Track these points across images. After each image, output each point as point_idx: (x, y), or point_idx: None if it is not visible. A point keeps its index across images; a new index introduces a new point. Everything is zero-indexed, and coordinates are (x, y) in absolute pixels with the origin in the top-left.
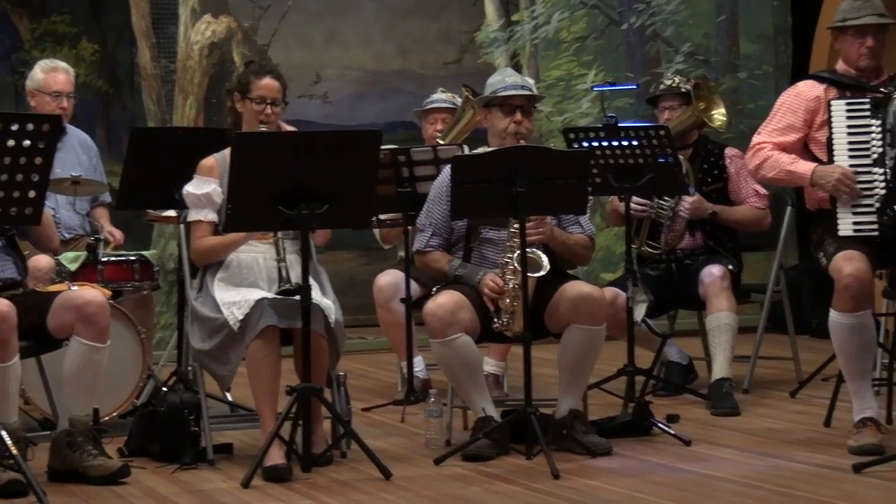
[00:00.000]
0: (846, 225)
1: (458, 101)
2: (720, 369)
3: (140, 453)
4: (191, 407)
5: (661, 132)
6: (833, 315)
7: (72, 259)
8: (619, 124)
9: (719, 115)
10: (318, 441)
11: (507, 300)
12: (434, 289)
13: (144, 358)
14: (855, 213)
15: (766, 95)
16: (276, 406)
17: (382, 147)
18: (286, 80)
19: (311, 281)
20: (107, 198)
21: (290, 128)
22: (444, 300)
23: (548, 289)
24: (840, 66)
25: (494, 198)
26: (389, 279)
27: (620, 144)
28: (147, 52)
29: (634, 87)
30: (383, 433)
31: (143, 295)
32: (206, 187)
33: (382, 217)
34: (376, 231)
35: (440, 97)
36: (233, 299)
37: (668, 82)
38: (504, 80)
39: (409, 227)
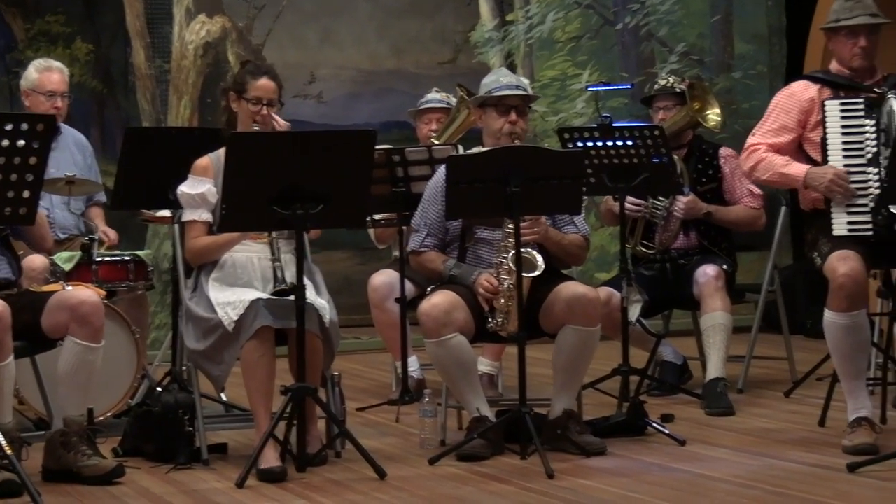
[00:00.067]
0: (841, 225)
1: (453, 100)
2: (714, 369)
3: (134, 453)
4: (185, 407)
5: (656, 132)
6: (827, 315)
7: (66, 259)
8: (614, 124)
9: (714, 115)
10: (313, 441)
11: (502, 300)
12: (429, 289)
13: (139, 358)
14: (849, 213)
15: (761, 95)
16: (270, 406)
17: (377, 147)
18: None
19: (306, 281)
20: (102, 197)
21: (283, 122)
22: (439, 300)
23: (542, 289)
24: (834, 66)
25: (489, 198)
26: (384, 279)
27: (615, 144)
28: (141, 51)
29: (629, 87)
30: (378, 433)
31: (137, 295)
32: (200, 187)
33: (377, 217)
34: (371, 231)
35: (435, 97)
36: (227, 299)
37: (663, 82)
38: (499, 80)
39: (404, 227)
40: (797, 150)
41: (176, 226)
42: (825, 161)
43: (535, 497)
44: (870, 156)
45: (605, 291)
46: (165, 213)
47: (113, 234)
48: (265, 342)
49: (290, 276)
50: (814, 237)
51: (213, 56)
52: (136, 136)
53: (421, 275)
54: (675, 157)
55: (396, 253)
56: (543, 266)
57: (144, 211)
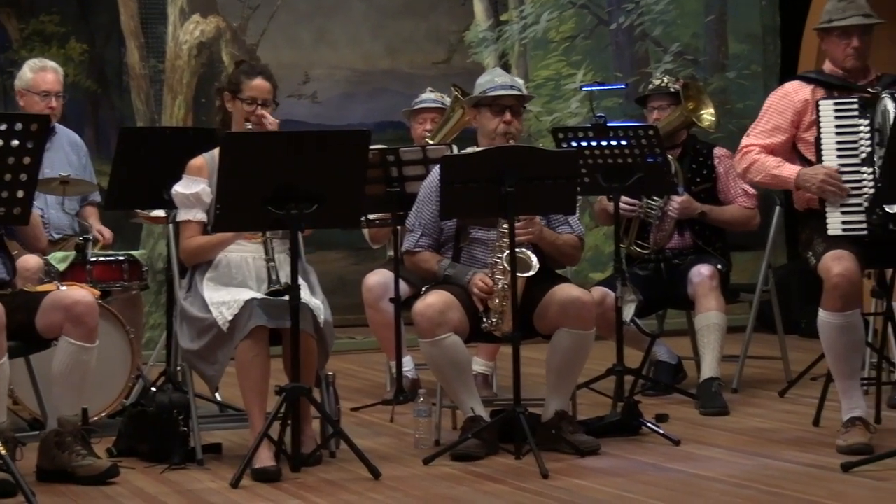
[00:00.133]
0: (835, 224)
1: (447, 100)
2: (709, 369)
3: (129, 453)
4: (180, 407)
5: (650, 132)
6: (822, 314)
7: (60, 259)
8: (608, 124)
9: (708, 114)
10: (307, 441)
11: (497, 300)
12: (423, 289)
13: (133, 358)
14: (844, 213)
15: (755, 95)
16: (265, 406)
17: (371, 147)
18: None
19: (300, 281)
20: (96, 197)
21: (273, 120)
22: (434, 300)
23: (537, 289)
24: (827, 66)
25: (483, 198)
26: (378, 279)
27: (609, 144)
28: (136, 51)
29: (623, 86)
30: (372, 433)
31: (131, 295)
32: (195, 187)
33: (371, 217)
34: (365, 231)
35: (429, 97)
36: (222, 299)
37: (657, 82)
38: (493, 80)
39: (399, 227)
40: (791, 150)
41: (170, 226)
42: (820, 161)
43: (530, 497)
44: (864, 155)
45: (599, 291)
46: (160, 212)
47: (108, 233)
48: (259, 342)
49: (284, 276)
50: (808, 237)
51: (208, 56)
52: (131, 136)
53: (415, 275)
54: (670, 156)
55: (391, 253)
56: (538, 266)
57: (139, 211)
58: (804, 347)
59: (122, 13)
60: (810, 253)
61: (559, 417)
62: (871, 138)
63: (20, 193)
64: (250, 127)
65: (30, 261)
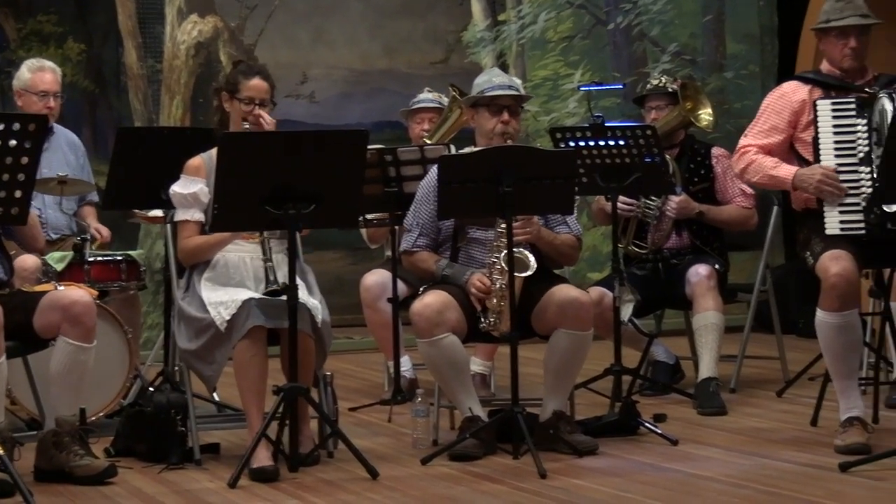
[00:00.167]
0: (833, 224)
1: (445, 100)
2: (707, 369)
3: (127, 453)
4: (178, 407)
5: (648, 132)
6: (820, 314)
7: (58, 259)
8: (606, 124)
9: (706, 114)
10: (305, 441)
11: (494, 300)
12: (421, 288)
13: (131, 358)
14: (842, 212)
15: (753, 95)
16: (263, 406)
17: (369, 147)
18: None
19: (298, 281)
20: (94, 197)
21: (270, 120)
22: (431, 300)
23: (535, 289)
24: (824, 66)
25: (481, 198)
26: (376, 279)
27: (607, 144)
28: (133, 51)
29: (621, 86)
30: (370, 433)
31: (129, 295)
32: (192, 187)
33: (369, 217)
34: (363, 231)
35: (427, 97)
36: (220, 299)
37: (655, 82)
38: (491, 80)
39: (396, 227)
40: (788, 150)
41: (168, 226)
42: (817, 160)
43: (528, 497)
44: (862, 155)
45: (597, 291)
46: (158, 212)
47: (105, 232)
48: (257, 342)
49: (281, 275)
50: (806, 237)
51: (205, 56)
52: (129, 136)
53: (413, 275)
54: (668, 156)
55: (389, 253)
56: (536, 266)
57: (137, 211)
58: (802, 347)
59: (119, 13)
60: (808, 253)
61: (557, 417)
62: (869, 138)
63: (18, 193)
64: (248, 127)
65: (27, 261)
